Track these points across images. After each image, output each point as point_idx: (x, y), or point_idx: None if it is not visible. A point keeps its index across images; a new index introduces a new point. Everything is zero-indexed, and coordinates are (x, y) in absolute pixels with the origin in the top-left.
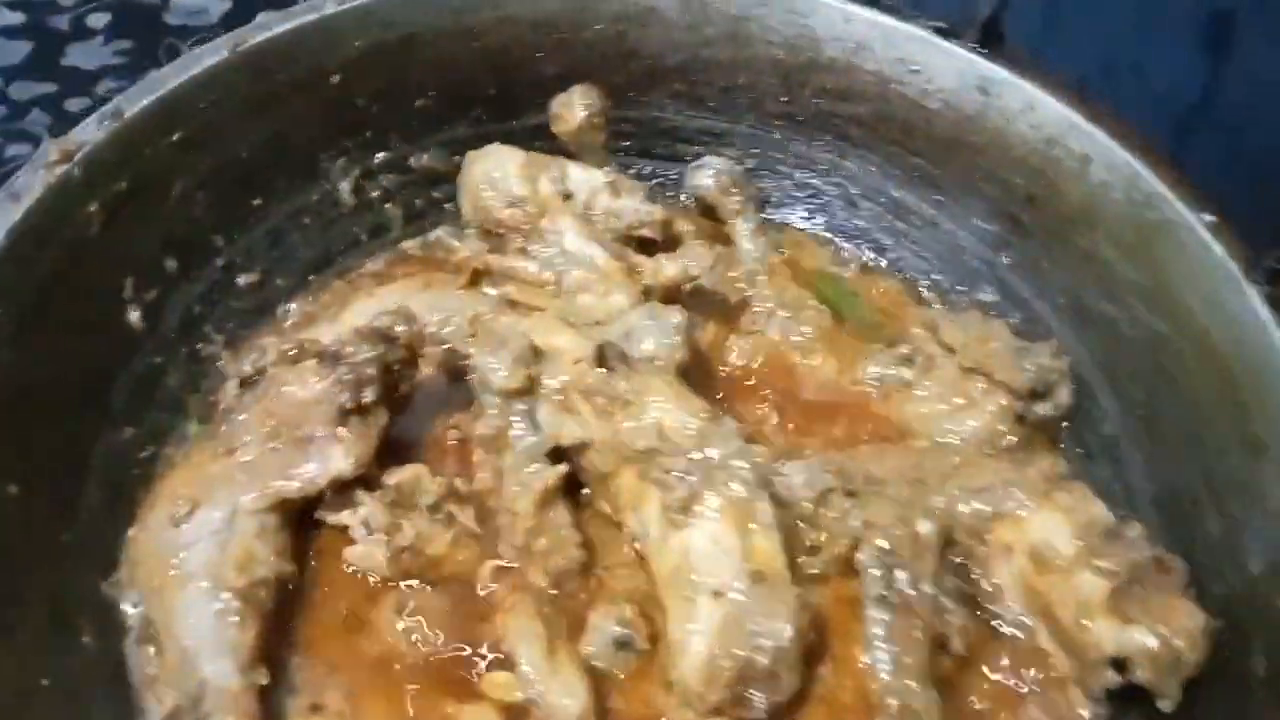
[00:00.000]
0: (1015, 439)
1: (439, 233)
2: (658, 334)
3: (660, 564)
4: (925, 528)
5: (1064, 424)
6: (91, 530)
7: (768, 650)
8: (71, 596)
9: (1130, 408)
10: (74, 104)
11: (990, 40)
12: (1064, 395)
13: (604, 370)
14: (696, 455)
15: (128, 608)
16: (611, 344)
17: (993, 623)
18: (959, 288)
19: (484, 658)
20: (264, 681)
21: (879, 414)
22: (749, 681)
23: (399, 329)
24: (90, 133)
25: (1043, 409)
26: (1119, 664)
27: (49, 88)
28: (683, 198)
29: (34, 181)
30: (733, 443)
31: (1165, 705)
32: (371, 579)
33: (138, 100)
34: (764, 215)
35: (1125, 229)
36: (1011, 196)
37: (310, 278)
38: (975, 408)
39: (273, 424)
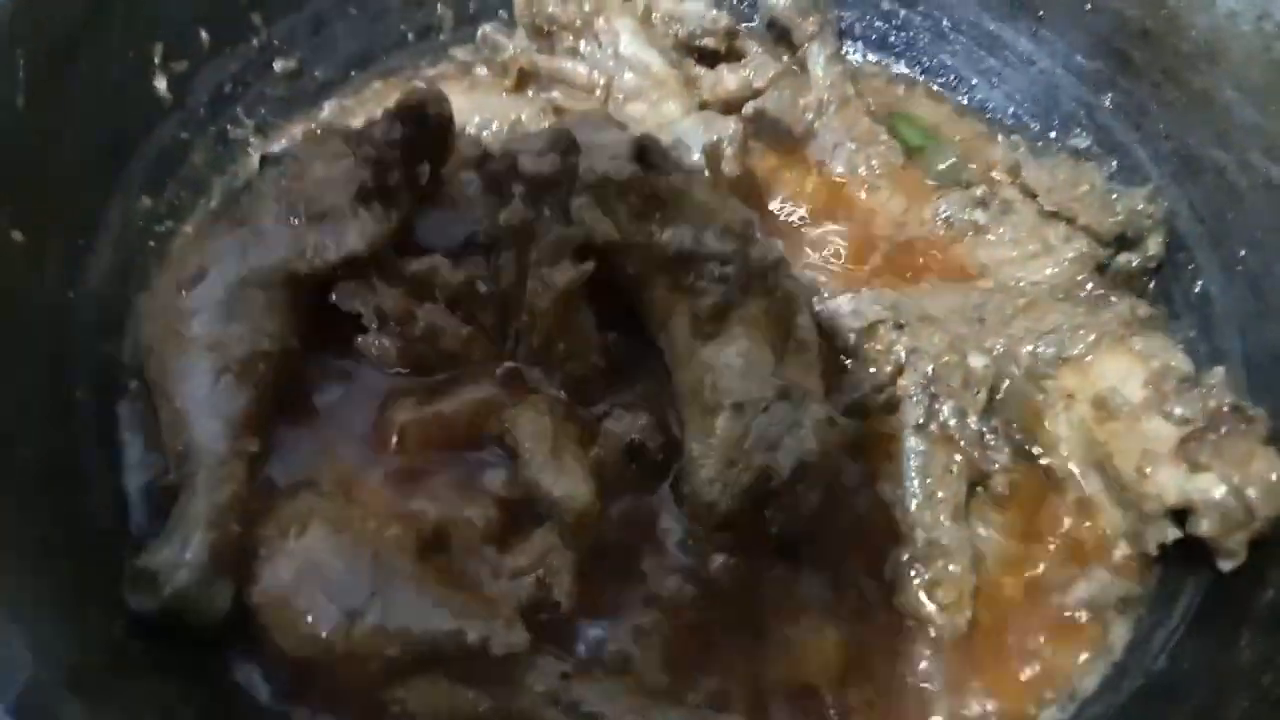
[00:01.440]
0: (1094, 289)
1: (486, 28)
2: (709, 140)
3: (685, 376)
4: (978, 361)
5: (1149, 278)
6: (99, 291)
7: (788, 463)
8: (70, 353)
9: (1231, 262)
10: None
11: None
12: (1156, 244)
13: (644, 166)
14: (733, 267)
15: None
16: (654, 139)
17: (1043, 470)
18: (1051, 133)
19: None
20: (253, 449)
21: (947, 256)
22: (766, 497)
23: (432, 110)
24: None
25: (1128, 258)
26: (1179, 517)
27: None
28: (755, 17)
29: None
30: (774, 253)
31: (1226, 565)
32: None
33: None
34: (843, 45)
35: (1252, 66)
36: (1123, 29)
37: (351, 74)
38: (1052, 254)
39: (290, 199)
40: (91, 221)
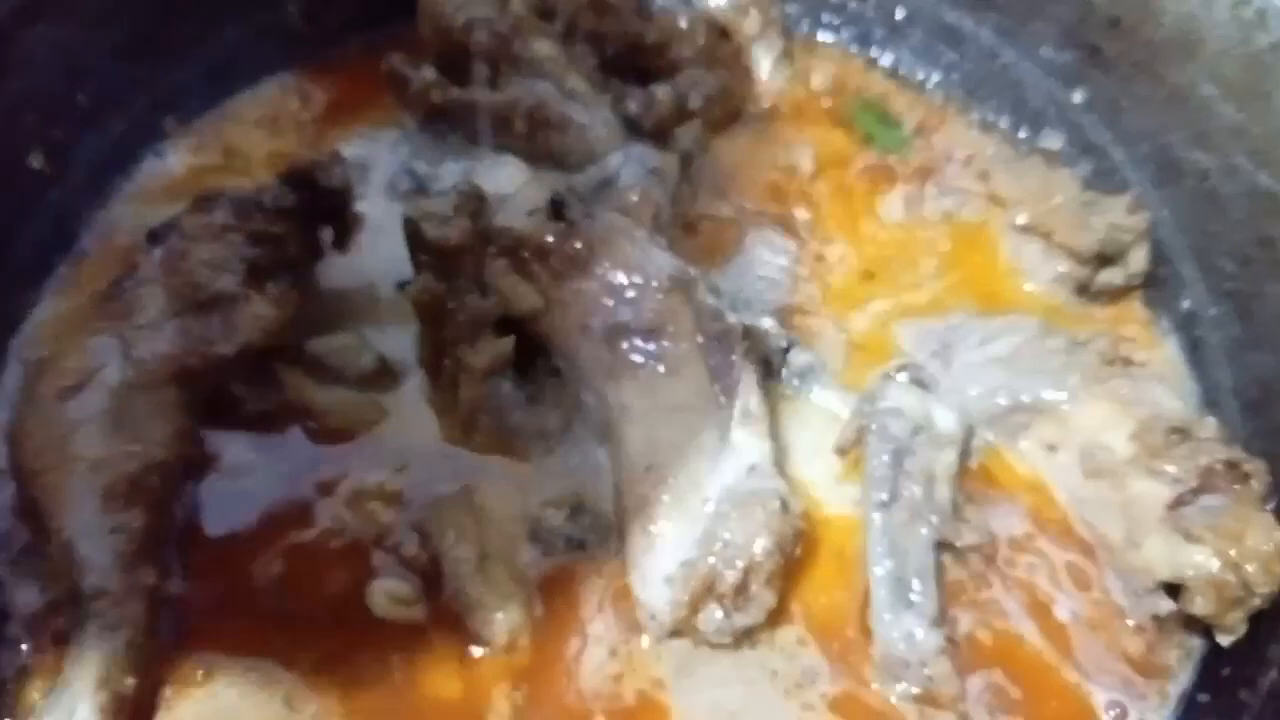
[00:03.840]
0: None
1: (392, 60)
2: (637, 178)
3: (621, 451)
4: (945, 420)
5: (1131, 295)
6: None
7: (740, 564)
8: None
9: (1218, 279)
10: None
11: None
12: (1138, 260)
13: (560, 223)
14: (671, 328)
15: None
16: (571, 191)
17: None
18: (1020, 132)
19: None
20: (150, 581)
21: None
22: (716, 598)
23: (319, 173)
24: None
25: (1110, 276)
26: (1174, 589)
27: None
28: (681, 20)
29: None
30: (710, 315)
31: (1224, 640)
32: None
33: None
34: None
35: (1230, 60)
36: (1090, 19)
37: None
38: (1030, 276)
39: (175, 283)
40: None
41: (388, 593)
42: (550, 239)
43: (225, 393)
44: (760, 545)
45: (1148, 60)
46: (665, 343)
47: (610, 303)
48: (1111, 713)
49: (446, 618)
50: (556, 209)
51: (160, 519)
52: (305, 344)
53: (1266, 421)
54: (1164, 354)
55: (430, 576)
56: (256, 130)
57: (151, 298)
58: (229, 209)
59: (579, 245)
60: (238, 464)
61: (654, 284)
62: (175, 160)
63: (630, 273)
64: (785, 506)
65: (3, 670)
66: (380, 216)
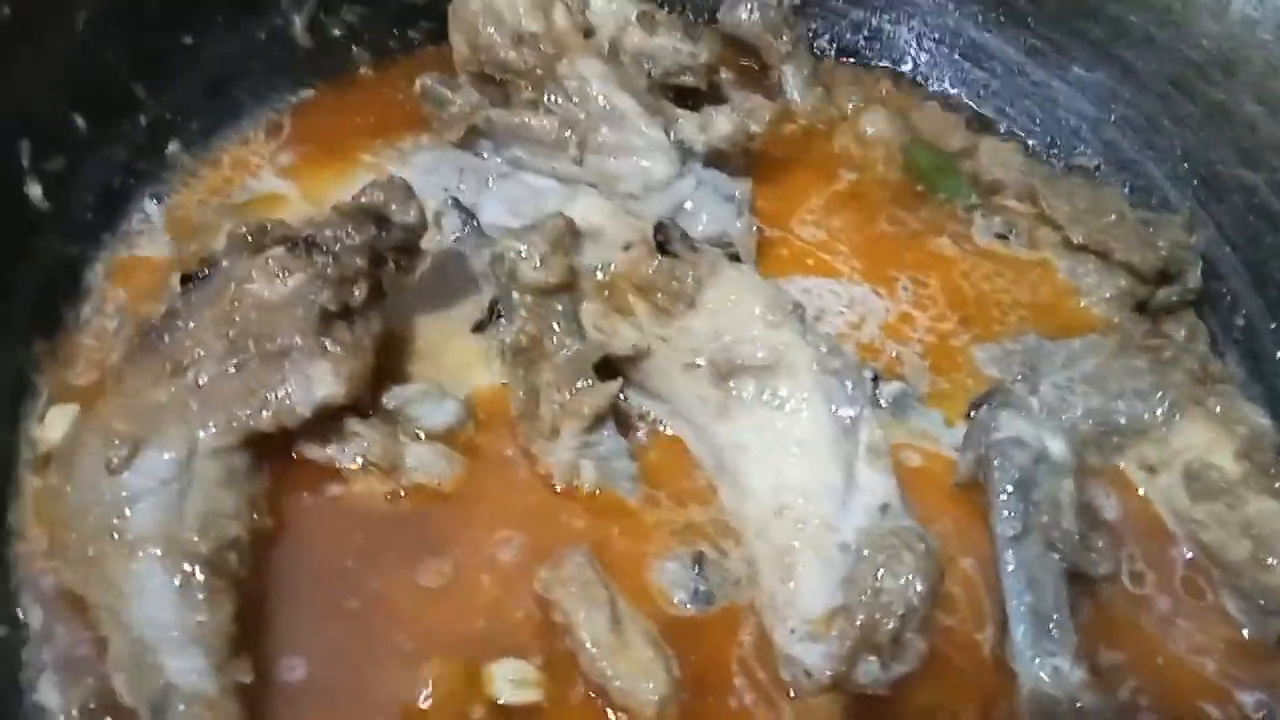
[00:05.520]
0: (1147, 338)
1: (426, 81)
2: (720, 207)
3: (746, 495)
4: (1056, 446)
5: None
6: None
7: (897, 611)
8: None
9: (1275, 294)
10: None
11: None
12: (1195, 277)
13: (664, 258)
14: (787, 362)
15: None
16: (673, 222)
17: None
18: (1053, 150)
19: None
20: (247, 679)
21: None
22: (873, 649)
23: (395, 208)
24: None
25: (1168, 293)
26: None
27: None
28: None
29: None
30: (827, 349)
31: None
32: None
33: None
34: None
35: (1275, 79)
36: (1123, 37)
37: (258, 135)
38: (1088, 294)
39: (233, 333)
40: None
41: (508, 677)
42: (655, 274)
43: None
44: (916, 590)
45: (1186, 79)
46: (782, 378)
47: (721, 340)
48: (1261, 713)
49: (574, 698)
50: (659, 243)
51: (243, 604)
52: (379, 395)
53: None
54: (1226, 370)
55: (554, 652)
56: (268, 154)
57: (205, 348)
58: (281, 248)
59: (687, 280)
60: (312, 534)
61: (769, 317)
62: (186, 191)
63: (739, 306)
64: (929, 548)
65: None
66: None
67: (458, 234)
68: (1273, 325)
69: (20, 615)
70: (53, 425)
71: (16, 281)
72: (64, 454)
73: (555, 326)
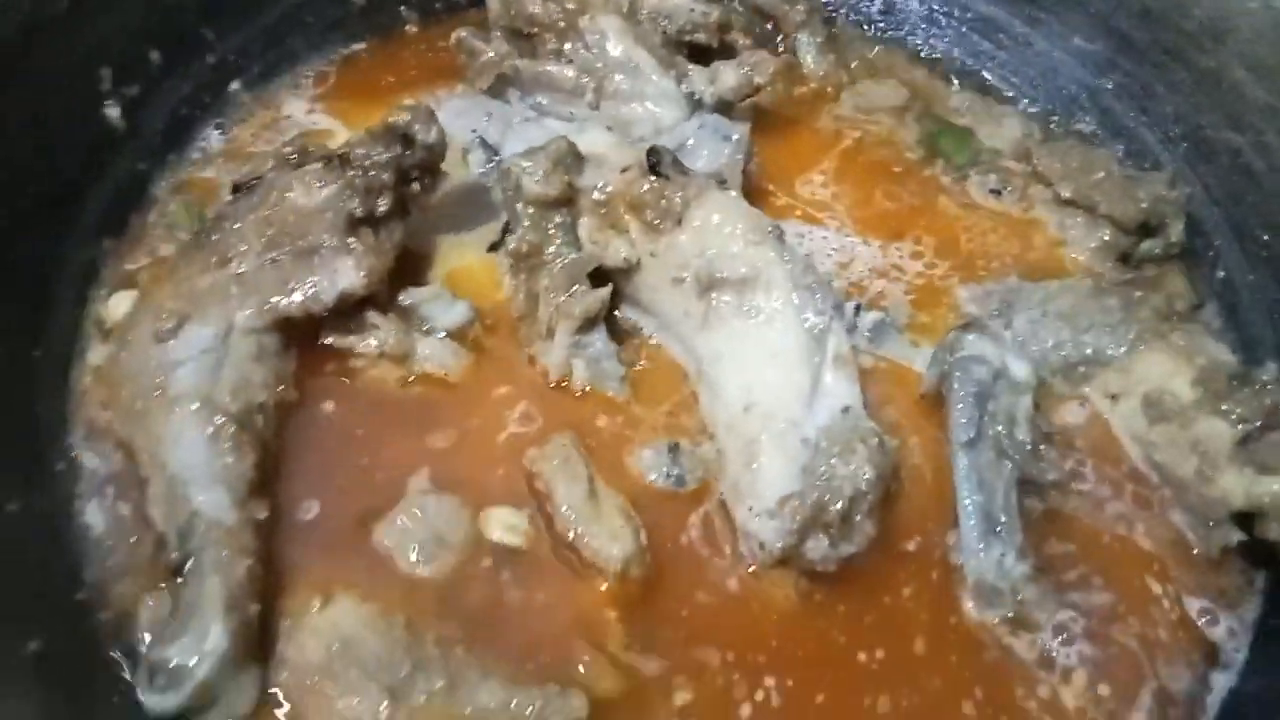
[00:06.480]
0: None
1: (461, 33)
2: (719, 146)
3: (719, 396)
4: (1020, 369)
5: (1170, 264)
6: (64, 347)
7: (846, 493)
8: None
9: (1254, 248)
10: None
11: None
12: (1176, 231)
13: (656, 179)
14: (765, 278)
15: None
16: (665, 148)
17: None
18: (1053, 117)
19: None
20: (262, 515)
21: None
22: (822, 528)
23: (418, 128)
24: None
25: (1150, 245)
26: (1244, 521)
27: None
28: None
29: None
30: (801, 266)
31: None
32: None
33: None
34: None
35: (1261, 44)
36: (1121, 9)
37: (310, 80)
38: (1075, 245)
39: (272, 233)
40: (48, 272)
41: (502, 521)
42: (646, 193)
43: (319, 339)
44: (864, 476)
45: (1179, 47)
46: (759, 291)
47: (704, 255)
48: (1205, 619)
49: (558, 550)
50: (652, 165)
51: (266, 456)
52: (397, 295)
53: None
54: (1204, 317)
55: (543, 512)
56: (317, 97)
57: (245, 246)
58: (319, 163)
59: (675, 199)
60: (330, 407)
61: (749, 236)
62: (244, 125)
63: (723, 225)
64: (883, 443)
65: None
66: (454, 180)
67: (482, 169)
68: (1250, 277)
69: (76, 456)
70: (116, 307)
71: (92, 188)
72: (123, 328)
73: (555, 237)
